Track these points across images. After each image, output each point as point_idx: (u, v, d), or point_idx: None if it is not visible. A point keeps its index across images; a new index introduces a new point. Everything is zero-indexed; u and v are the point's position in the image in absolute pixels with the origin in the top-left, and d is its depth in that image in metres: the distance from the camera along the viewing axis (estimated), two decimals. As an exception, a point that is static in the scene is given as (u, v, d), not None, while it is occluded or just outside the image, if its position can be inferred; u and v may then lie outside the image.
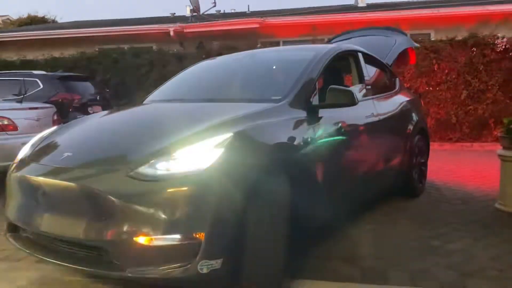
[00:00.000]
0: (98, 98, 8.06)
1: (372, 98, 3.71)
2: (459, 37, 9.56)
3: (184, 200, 1.95)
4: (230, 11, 16.76)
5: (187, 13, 15.10)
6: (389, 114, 3.91)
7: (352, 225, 3.43)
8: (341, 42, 5.24)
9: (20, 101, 5.81)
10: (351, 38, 5.38)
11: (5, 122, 4.97)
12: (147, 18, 16.52)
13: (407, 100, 4.50)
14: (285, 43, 12.00)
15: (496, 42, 9.23)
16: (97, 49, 11.62)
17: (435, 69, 9.45)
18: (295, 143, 2.50)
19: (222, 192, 2.00)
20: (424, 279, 2.44)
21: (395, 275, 2.50)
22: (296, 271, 2.51)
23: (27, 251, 2.34)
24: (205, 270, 1.95)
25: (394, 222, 3.56)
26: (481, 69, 9.26)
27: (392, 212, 3.85)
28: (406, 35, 5.23)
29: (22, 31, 15.49)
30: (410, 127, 4.30)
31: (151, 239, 1.93)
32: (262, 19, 12.32)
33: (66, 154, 2.32)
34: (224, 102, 2.98)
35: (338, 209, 3.11)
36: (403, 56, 5.01)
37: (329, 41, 5.71)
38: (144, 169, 2.02)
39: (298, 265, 2.61)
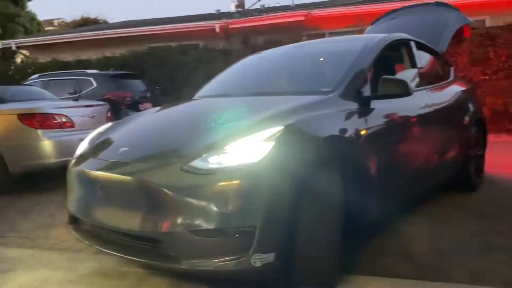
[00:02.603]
0: (148, 96, 8.29)
1: (426, 88, 3.57)
2: (518, 22, 9.02)
3: (236, 193, 1.96)
4: (274, 5, 16.70)
5: (232, 9, 15.19)
6: (444, 104, 3.75)
7: (406, 220, 3.32)
8: (386, 25, 5.01)
9: (76, 99, 6.07)
10: (395, 19, 5.09)
11: (63, 120, 5.20)
12: (193, 15, 16.78)
13: (463, 90, 4.30)
14: (331, 35, 11.79)
15: (558, 26, 8.64)
16: (146, 48, 11.92)
17: (491, 56, 8.97)
18: (347, 135, 2.45)
19: (274, 185, 1.99)
20: (486, 277, 2.32)
21: (454, 272, 2.40)
22: (349, 267, 2.46)
23: (87, 242, 2.45)
24: (258, 264, 1.95)
25: (451, 217, 3.42)
26: (542, 55, 8.70)
27: (448, 207, 3.70)
28: (457, 10, 4.82)
29: (76, 32, 16.17)
30: (466, 118, 4.11)
31: (205, 231, 1.95)
32: (307, 11, 12.18)
33: (122, 149, 2.40)
34: (273, 95, 2.96)
35: (392, 204, 3.02)
36: (456, 32, 4.69)
37: (372, 24, 5.45)
38: (197, 163, 2.05)
39: (351, 260, 2.57)
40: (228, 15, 14.37)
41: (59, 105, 5.63)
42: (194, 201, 1.98)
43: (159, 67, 11.02)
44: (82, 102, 5.93)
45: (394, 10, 5.35)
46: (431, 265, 2.51)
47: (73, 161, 2.65)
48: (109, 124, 3.19)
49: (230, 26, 12.73)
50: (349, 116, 2.57)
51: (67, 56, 12.70)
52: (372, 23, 5.44)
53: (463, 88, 4.36)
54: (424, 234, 3.06)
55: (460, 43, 6.01)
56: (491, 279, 2.30)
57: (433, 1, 5.16)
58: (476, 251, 2.69)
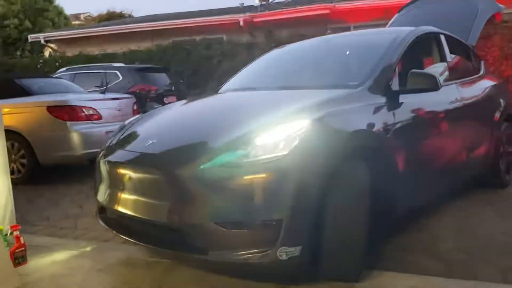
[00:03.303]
0: (173, 89, 8.36)
1: (456, 83, 3.49)
2: (553, 15, 8.70)
3: (263, 186, 1.96)
4: (298, -2, 16.55)
5: (256, 2, 15.12)
6: (474, 99, 3.66)
7: (434, 217, 3.26)
8: (412, 15, 4.88)
9: (103, 92, 6.17)
10: (422, 7, 4.94)
11: (91, 112, 5.30)
12: (217, 9, 16.79)
13: (493, 85, 4.19)
14: (356, 28, 11.63)
15: None
16: (171, 41, 12.00)
17: (524, 51, 8.68)
18: (375, 129, 2.42)
19: (301, 179, 1.98)
20: (517, 276, 2.27)
21: (483, 270, 2.35)
22: (376, 262, 2.44)
23: (114, 232, 2.50)
24: (284, 257, 1.95)
25: (480, 215, 3.34)
26: None
27: (478, 204, 3.62)
28: None
29: (102, 26, 16.41)
30: (497, 113, 4.00)
31: (232, 224, 1.96)
32: (332, 4, 12.04)
33: (150, 141, 2.43)
34: (299, 89, 2.94)
35: (419, 200, 2.98)
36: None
37: (399, 12, 5.30)
38: (224, 156, 2.05)
39: (378, 255, 2.54)
40: (252, 8, 14.33)
41: (87, 97, 5.74)
42: (221, 193, 1.99)
43: (183, 61, 11.08)
44: (108, 95, 6.03)
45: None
46: (459, 262, 2.46)
47: (101, 152, 2.70)
48: (137, 116, 3.24)
49: (254, 20, 12.70)
50: (377, 110, 2.54)
51: (94, 50, 12.90)
52: (399, 11, 5.31)
53: (494, 83, 4.24)
54: (452, 230, 3.00)
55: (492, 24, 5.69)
56: (522, 279, 2.24)
57: None
58: (506, 250, 2.62)
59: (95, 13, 28.43)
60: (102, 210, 2.63)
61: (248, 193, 1.97)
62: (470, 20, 4.39)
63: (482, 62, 4.36)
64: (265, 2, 14.14)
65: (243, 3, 16.24)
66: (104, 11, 27.10)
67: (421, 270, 2.37)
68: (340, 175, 2.10)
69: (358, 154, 2.28)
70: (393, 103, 2.64)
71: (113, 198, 2.49)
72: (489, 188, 4.03)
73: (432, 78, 2.68)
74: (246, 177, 1.98)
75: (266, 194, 1.96)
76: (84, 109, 5.24)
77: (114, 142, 2.73)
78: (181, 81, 9.72)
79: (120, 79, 7.89)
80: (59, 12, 25.40)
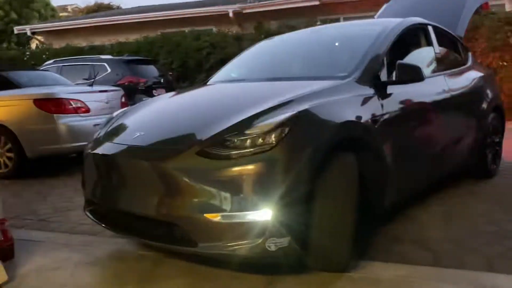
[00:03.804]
0: (162, 81, 8.30)
1: (444, 74, 3.52)
2: (539, 7, 8.79)
3: (252, 178, 1.96)
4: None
5: (245, -7, 15.03)
6: (462, 90, 3.69)
7: (422, 207, 3.30)
8: (401, 5, 4.88)
9: (91, 85, 6.11)
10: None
11: (78, 105, 5.25)
12: (206, 0, 16.67)
13: (481, 76, 4.22)
14: (345, 20, 11.64)
15: None
16: (159, 33, 11.91)
17: (510, 42, 8.76)
18: (363, 120, 2.43)
19: (290, 170, 1.99)
20: (503, 265, 2.30)
21: (470, 259, 2.38)
22: (365, 252, 2.46)
23: (103, 225, 2.48)
24: (273, 248, 1.96)
25: (467, 204, 3.38)
26: None
27: (464, 194, 3.66)
28: None
29: (90, 18, 16.21)
30: (484, 104, 4.03)
31: (220, 216, 1.97)
32: (322, -5, 12.02)
33: (138, 134, 2.41)
34: (288, 80, 2.94)
35: (407, 189, 3.00)
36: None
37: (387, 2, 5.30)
38: (212, 148, 2.05)
39: (367, 246, 2.56)
40: (241, 0, 14.25)
41: (74, 90, 5.68)
42: (209, 185, 1.99)
43: (172, 53, 11.02)
44: (96, 88, 5.97)
45: None
46: (446, 251, 2.50)
47: (89, 145, 2.68)
48: (125, 109, 3.21)
49: (244, 11, 12.64)
50: (365, 101, 2.54)
51: (81, 42, 12.77)
52: (388, 1, 5.31)
53: (481, 74, 4.27)
54: (439, 220, 3.04)
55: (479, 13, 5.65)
56: (506, 267, 2.27)
57: None
58: (492, 239, 2.66)
59: (82, 5, 28.10)
60: (90, 204, 2.61)
61: (236, 185, 1.97)
62: (458, 11, 4.41)
63: (470, 53, 4.39)
64: (254, -7, 14.05)
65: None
66: (92, 3, 26.75)
67: (409, 260, 2.39)
68: (328, 166, 2.11)
69: (346, 145, 2.28)
70: (381, 94, 2.64)
71: (101, 191, 2.48)
72: (477, 177, 4.09)
73: (416, 69, 2.69)
74: (234, 169, 1.98)
75: (255, 186, 1.96)
76: (71, 102, 5.19)
77: (101, 134, 2.70)
78: (170, 73, 9.66)
79: (108, 71, 7.81)
80: (46, 3, 25.02)
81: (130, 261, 2.55)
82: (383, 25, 3.28)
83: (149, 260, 2.52)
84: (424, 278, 2.19)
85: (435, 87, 3.27)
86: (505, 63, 8.85)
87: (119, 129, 2.66)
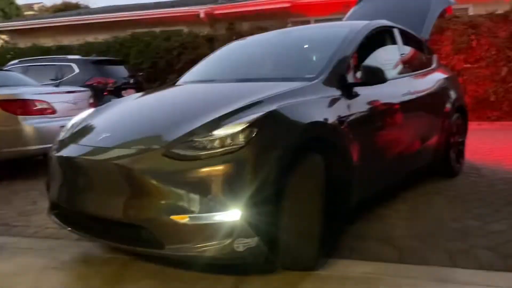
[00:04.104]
0: (131, 82, 8.20)
1: (409, 76, 3.61)
2: (500, 11, 9.11)
3: (220, 178, 1.96)
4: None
5: (217, -6, 15.00)
6: (426, 92, 3.79)
7: (388, 205, 3.37)
8: (368, 8, 4.98)
9: (57, 85, 5.97)
10: (377, 0, 5.07)
11: (44, 106, 5.12)
12: (177, 1, 16.55)
13: (445, 78, 4.35)
14: (316, 22, 11.77)
15: (539, 15, 8.74)
16: (129, 33, 11.74)
17: (474, 45, 9.06)
18: (330, 121, 2.46)
19: (258, 170, 2.00)
20: (464, 260, 2.38)
21: (434, 255, 2.45)
22: (332, 250, 2.50)
23: (69, 229, 2.43)
24: (241, 248, 1.97)
25: (431, 203, 3.48)
26: (523, 43, 8.82)
27: (429, 192, 3.76)
28: None
29: (57, 17, 15.83)
30: (448, 105, 4.16)
31: (188, 217, 1.96)
32: (293, -3, 12.13)
33: (104, 135, 2.38)
34: (257, 81, 2.95)
35: (374, 188, 3.07)
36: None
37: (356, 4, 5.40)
38: (180, 149, 2.04)
39: (334, 244, 2.60)
40: (213, 1, 14.21)
41: (40, 91, 5.53)
42: (176, 187, 1.98)
43: (142, 53, 10.88)
44: (63, 88, 5.84)
45: None
46: (411, 248, 2.56)
47: (54, 147, 2.62)
48: (91, 110, 3.15)
49: (215, 12, 12.62)
50: (332, 102, 2.58)
51: (48, 42, 12.45)
52: (356, 4, 5.40)
53: (445, 76, 4.41)
54: (405, 218, 3.12)
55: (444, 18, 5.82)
56: (468, 262, 2.35)
57: None
58: (455, 235, 2.74)
59: (49, 3, 27.35)
60: (56, 207, 2.55)
61: (204, 186, 1.97)
62: (423, 14, 4.53)
63: (435, 56, 4.52)
64: (226, -5, 14.05)
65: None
66: (59, 1, 26.12)
67: (375, 257, 2.45)
68: (296, 167, 2.13)
69: (314, 145, 2.32)
70: (348, 96, 2.69)
71: (66, 194, 2.43)
72: (441, 177, 4.21)
73: (378, 71, 2.75)
74: (202, 170, 1.98)
75: (223, 186, 1.96)
76: (37, 103, 5.05)
77: (67, 136, 2.65)
78: (140, 73, 9.54)
79: (76, 72, 7.65)
80: (10, 1, 24.28)
81: (96, 264, 2.51)
82: (350, 27, 3.34)
83: (116, 263, 2.49)
84: (390, 275, 2.24)
85: (401, 88, 3.35)
86: (468, 65, 9.14)
87: (85, 130, 2.62)
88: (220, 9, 12.66)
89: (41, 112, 5.07)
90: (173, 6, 13.90)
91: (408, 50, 3.86)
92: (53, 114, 5.19)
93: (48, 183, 2.60)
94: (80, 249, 2.72)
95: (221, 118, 2.17)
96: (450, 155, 4.18)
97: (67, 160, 2.39)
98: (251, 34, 4.78)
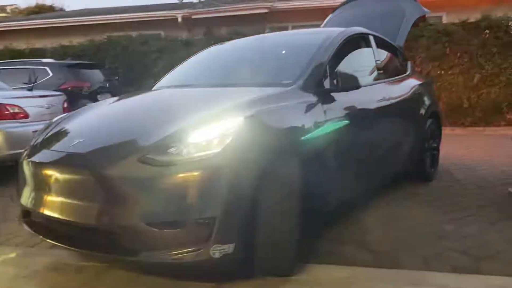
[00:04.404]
0: (107, 86, 8.08)
1: (384, 82, 3.66)
2: (472, 19, 9.37)
3: (196, 184, 1.94)
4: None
5: (195, -1, 14.98)
6: (401, 97, 3.85)
7: (364, 210, 3.41)
8: (344, 16, 5.07)
9: (30, 89, 5.83)
10: (353, 9, 5.16)
11: (16, 110, 4.99)
12: (155, 5, 16.44)
13: (419, 84, 4.43)
14: (294, 28, 11.87)
15: (509, 24, 9.01)
16: (105, 37, 11.58)
17: (447, 52, 9.28)
18: (307, 127, 2.48)
19: (234, 176, 1.99)
20: (438, 263, 2.42)
21: (408, 259, 2.49)
22: (308, 255, 2.50)
23: (41, 236, 2.37)
24: (217, 255, 1.95)
25: (407, 207, 3.53)
26: (494, 51, 9.07)
27: (405, 197, 3.82)
28: (414, 0, 4.94)
29: (31, 19, 15.51)
30: (422, 111, 4.24)
31: (163, 223, 1.93)
32: (270, 3, 12.19)
33: (77, 140, 2.32)
34: (234, 86, 2.95)
35: (350, 193, 3.09)
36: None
37: (332, 12, 5.49)
38: (155, 154, 2.01)
39: (310, 249, 2.61)
40: (190, 5, 14.17)
41: (12, 95, 5.40)
42: (151, 193, 1.95)
43: (119, 57, 10.75)
44: (36, 92, 5.70)
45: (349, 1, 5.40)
46: (386, 252, 2.59)
47: (25, 152, 2.55)
48: (64, 114, 3.09)
49: (193, 17, 12.58)
50: (309, 108, 2.60)
51: (21, 45, 12.17)
52: (332, 12, 5.49)
53: (420, 82, 4.49)
54: (380, 222, 3.16)
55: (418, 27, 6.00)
56: (441, 265, 2.39)
57: None
58: (429, 239, 2.79)
59: (22, 5, 26.79)
60: (27, 214, 2.48)
61: (180, 192, 1.94)
62: (398, 22, 4.62)
63: (409, 62, 4.60)
64: (204, 0, 14.04)
65: (182, 0, 15.99)
66: (33, 4, 25.61)
67: (351, 262, 2.47)
68: (272, 172, 2.13)
69: (290, 151, 2.32)
70: (324, 101, 2.71)
71: (38, 201, 2.35)
72: (416, 181, 4.28)
73: (354, 77, 2.79)
74: (178, 176, 1.95)
75: (199, 192, 1.94)
76: (8, 107, 4.92)
77: (39, 141, 2.58)
78: (116, 78, 9.41)
79: (50, 75, 7.49)
80: (-18, 3, 23.67)
81: (70, 273, 2.45)
82: (326, 34, 3.37)
83: (90, 271, 2.44)
84: (365, 279, 2.26)
85: (376, 94, 3.39)
86: (442, 72, 9.36)
87: (58, 135, 2.56)
88: (198, 14, 12.62)
89: (13, 116, 4.95)
90: (150, 10, 13.80)
91: (383, 56, 3.92)
92: (26, 118, 5.07)
93: (19, 190, 2.52)
94: (52, 257, 2.65)
95: (198, 123, 2.15)
96: (425, 160, 4.26)
97: (39, 166, 2.33)
98: (229, 39, 4.79)
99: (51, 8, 24.68)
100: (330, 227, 3.01)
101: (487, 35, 9.08)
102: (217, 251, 1.95)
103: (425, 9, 5.08)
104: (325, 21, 5.37)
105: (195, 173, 1.95)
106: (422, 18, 5.17)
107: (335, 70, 2.86)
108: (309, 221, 2.46)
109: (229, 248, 1.97)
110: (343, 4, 5.47)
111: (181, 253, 1.94)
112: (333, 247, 2.68)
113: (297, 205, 2.30)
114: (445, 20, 10.87)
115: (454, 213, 3.30)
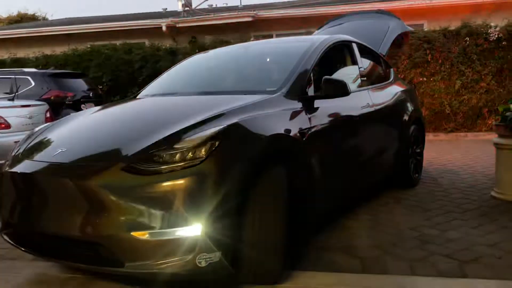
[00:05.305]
0: (91, 95, 8.00)
1: (368, 89, 3.70)
2: (452, 27, 9.56)
3: (181, 193, 1.93)
4: (222, 5, 16.67)
5: (179, 8, 14.98)
6: (385, 104, 3.90)
7: (349, 216, 3.42)
8: (332, 30, 5.18)
9: (12, 99, 5.75)
10: (341, 24, 5.31)
11: (-3, 120, 4.91)
12: (139, 13, 16.41)
13: (402, 91, 4.49)
14: (278, 36, 11.96)
15: (489, 31, 9.23)
16: (89, 46, 11.51)
17: (429, 59, 9.44)
18: (291, 134, 2.48)
19: (219, 184, 1.98)
20: (423, 268, 2.43)
21: (394, 264, 2.50)
22: (295, 262, 2.50)
23: (23, 249, 2.31)
24: (203, 264, 1.94)
25: (392, 213, 3.56)
26: (474, 58, 9.26)
27: (389, 203, 3.85)
28: (398, 19, 5.08)
29: (12, 29, 15.32)
30: (406, 117, 4.30)
31: (148, 233, 1.91)
32: (254, 12, 12.27)
33: (59, 150, 2.29)
34: (219, 94, 2.95)
35: (335, 200, 3.10)
36: (398, 39, 4.94)
37: (318, 29, 5.63)
38: (139, 163, 1.99)
39: (297, 256, 2.60)
40: (175, 14, 14.18)
41: (-7, 105, 5.31)
42: (136, 202, 1.92)
43: (102, 66, 10.68)
44: (18, 102, 5.62)
45: (341, 16, 5.58)
46: (372, 258, 2.60)
47: (6, 163, 2.50)
48: (47, 124, 3.04)
49: (177, 25, 12.58)
50: (293, 115, 2.61)
51: (2, 54, 12.03)
52: (320, 28, 5.61)
53: (403, 89, 4.55)
54: (366, 228, 3.17)
55: (402, 47, 6.37)
56: (427, 270, 2.41)
57: (376, 10, 5.45)
58: (414, 244, 2.81)
59: (4, 15, 26.43)
60: (8, 226, 2.42)
61: (165, 200, 1.93)
62: (381, 35, 4.74)
63: (392, 70, 4.67)
64: (188, 8, 14.05)
65: (166, 8, 16.01)
66: (15, 13, 25.32)
67: (338, 268, 2.47)
68: (258, 179, 2.13)
69: (275, 158, 2.32)
70: (309, 108, 2.73)
71: (20, 212, 2.31)
72: (401, 187, 4.32)
73: (341, 84, 2.80)
74: (163, 184, 1.94)
75: (184, 201, 1.93)
76: (-11, 117, 4.84)
77: (20, 151, 2.54)
78: (100, 87, 9.34)
79: (32, 85, 7.38)
80: (-37, 12, 23.33)
81: (54, 285, 2.40)
82: (310, 41, 3.40)
83: (74, 283, 2.39)
84: (352, 285, 2.27)
85: (360, 101, 3.42)
86: (425, 79, 9.51)
87: (40, 145, 2.52)
88: (183, 22, 12.63)
89: (-6, 127, 4.86)
90: (134, 19, 13.77)
91: (366, 64, 3.97)
92: (7, 128, 4.99)
93: (0, 201, 2.47)
94: (35, 270, 2.59)
95: (182, 132, 2.15)
96: (408, 166, 4.30)
97: (21, 176, 2.29)
98: (214, 47, 4.80)
99: (33, 17, 24.44)
100: (318, 234, 3.02)
101: (467, 42, 9.27)
102: (203, 260, 1.93)
103: (408, 27, 5.23)
104: (313, 35, 5.45)
105: (180, 182, 1.94)
106: (407, 38, 5.32)
107: (319, 77, 2.88)
108: (296, 228, 2.45)
109: (215, 256, 1.96)
110: (330, 21, 5.60)
111: (167, 263, 1.92)
112: (321, 254, 2.68)
113: (284, 212, 2.30)
114: (426, 27, 11.07)
115: (438, 218, 3.34)
